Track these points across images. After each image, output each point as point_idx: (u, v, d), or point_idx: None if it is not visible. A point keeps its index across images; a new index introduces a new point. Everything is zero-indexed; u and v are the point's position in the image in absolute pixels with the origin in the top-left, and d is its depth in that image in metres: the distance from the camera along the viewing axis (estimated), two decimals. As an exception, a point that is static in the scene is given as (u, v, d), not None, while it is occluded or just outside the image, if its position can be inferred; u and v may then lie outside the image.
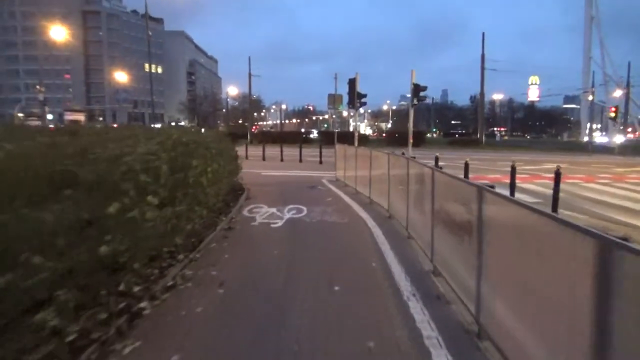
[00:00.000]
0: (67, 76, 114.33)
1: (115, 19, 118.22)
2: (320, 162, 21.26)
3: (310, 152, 28.27)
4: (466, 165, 13.23)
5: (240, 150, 25.54)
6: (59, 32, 48.13)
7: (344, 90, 17.92)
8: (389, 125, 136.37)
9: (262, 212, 8.67)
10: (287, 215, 8.43)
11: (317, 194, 11.42)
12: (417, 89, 14.65)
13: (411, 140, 15.43)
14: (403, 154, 8.46)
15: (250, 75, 52.13)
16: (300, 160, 22.52)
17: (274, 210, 8.90)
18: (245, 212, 8.72)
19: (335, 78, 18.38)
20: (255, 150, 27.10)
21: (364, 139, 43.15)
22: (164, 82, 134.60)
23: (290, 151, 26.30)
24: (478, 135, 53.62)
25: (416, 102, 14.87)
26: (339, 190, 12.15)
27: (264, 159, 24.17)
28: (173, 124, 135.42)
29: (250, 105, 59.78)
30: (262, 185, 13.02)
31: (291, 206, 9.30)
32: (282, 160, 23.37)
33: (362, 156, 11.03)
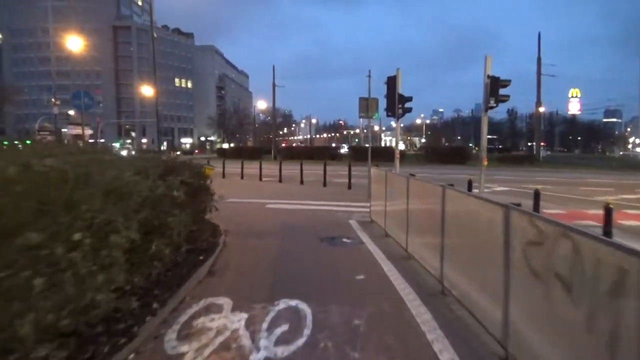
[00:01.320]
0: (99, 91, 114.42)
1: (145, 34, 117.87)
2: (349, 187, 16.46)
3: (339, 171, 23.55)
4: (536, 194, 10.24)
5: (255, 168, 21.01)
6: (75, 43, 45.89)
7: (379, 94, 13.17)
8: (423, 140, 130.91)
9: (210, 333, 3.91)
10: (262, 350, 3.66)
11: (340, 260, 6.54)
12: (495, 83, 9.72)
13: (485, 162, 10.45)
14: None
15: (274, 85, 48.06)
16: (325, 184, 17.75)
17: (238, 323, 4.09)
18: (168, 336, 3.89)
19: (369, 76, 13.16)
20: (274, 169, 22.68)
21: (400, 155, 38.10)
22: (194, 97, 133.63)
23: (316, 170, 21.67)
24: (519, 149, 47.54)
25: (494, 104, 9.80)
26: (377, 246, 7.28)
27: (280, 180, 19.59)
28: (202, 139, 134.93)
29: (275, 117, 55.61)
30: (253, 234, 8.32)
31: (281, 307, 4.48)
32: (302, 182, 18.69)
33: (418, 194, 6.18)
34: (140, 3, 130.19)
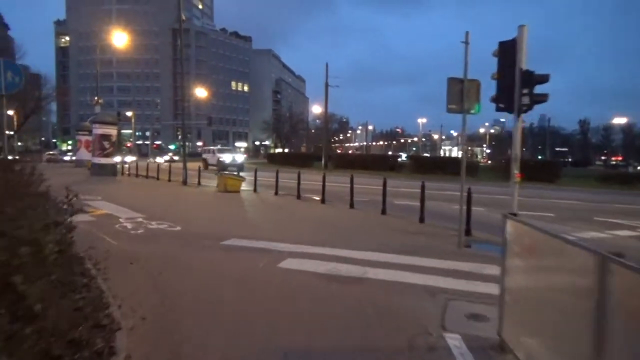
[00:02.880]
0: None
1: (203, 37, 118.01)
2: (422, 219, 10.93)
3: (400, 187, 18.18)
4: None
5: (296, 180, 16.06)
6: (120, 39, 44.09)
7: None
8: (487, 151, 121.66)
9: None
10: None
11: None
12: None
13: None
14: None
15: (327, 85, 43.22)
16: (384, 210, 12.36)
17: None
18: None
19: (465, 42, 7.58)
20: (320, 183, 17.70)
21: (472, 167, 31.91)
22: (250, 101, 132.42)
23: (371, 185, 16.42)
24: (592, 163, 39.37)
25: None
26: None
27: (322, 200, 14.51)
28: (257, 143, 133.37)
29: (327, 121, 50.78)
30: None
31: None
32: (351, 205, 13.44)
33: None
34: (200, 6, 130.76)
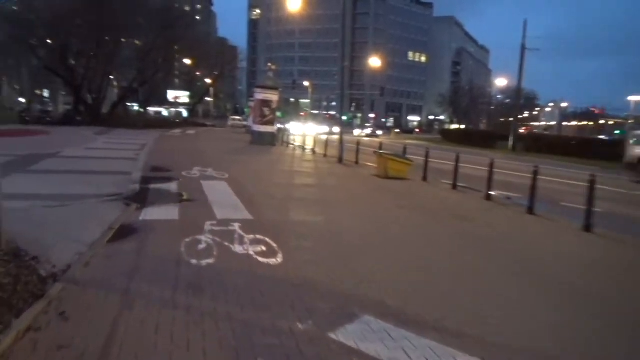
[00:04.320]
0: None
1: (382, 5, 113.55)
2: None
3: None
4: None
5: (482, 167, 10.85)
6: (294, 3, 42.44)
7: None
8: None
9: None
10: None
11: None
12: None
13: None
14: None
15: (523, 48, 34.80)
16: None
17: None
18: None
19: None
20: (513, 174, 12.18)
21: None
22: (427, 72, 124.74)
23: (608, 182, 10.24)
24: None
25: None
26: None
27: (531, 209, 9.00)
28: (431, 117, 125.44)
29: (520, 94, 41.97)
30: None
31: None
32: (587, 228, 7.64)
33: None
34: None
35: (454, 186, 11.76)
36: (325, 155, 19.58)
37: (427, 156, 13.39)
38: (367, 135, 55.22)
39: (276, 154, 20.19)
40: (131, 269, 4.28)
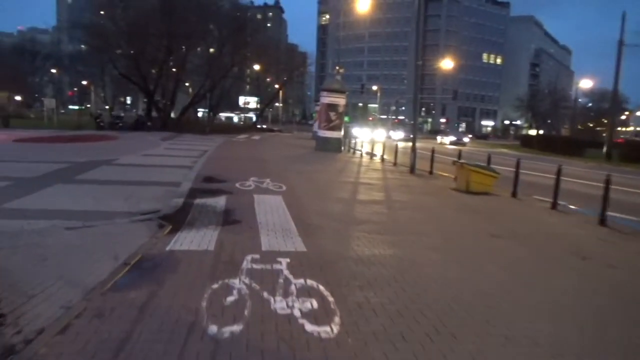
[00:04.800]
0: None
1: (456, 6, 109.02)
2: None
3: None
4: None
5: (580, 181, 8.79)
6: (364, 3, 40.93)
7: None
8: None
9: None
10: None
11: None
12: None
13: None
14: None
15: (621, 43, 30.76)
16: None
17: None
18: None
19: None
20: (624, 195, 9.94)
21: None
22: (502, 75, 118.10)
23: None
24: None
25: None
26: None
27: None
28: (507, 122, 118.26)
29: (616, 95, 37.38)
30: None
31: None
32: None
33: None
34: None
35: (554, 205, 9.68)
36: (394, 164, 17.91)
37: (517, 167, 11.33)
38: (452, 143, 46.84)
39: (341, 162, 18.79)
40: (122, 339, 3.00)
